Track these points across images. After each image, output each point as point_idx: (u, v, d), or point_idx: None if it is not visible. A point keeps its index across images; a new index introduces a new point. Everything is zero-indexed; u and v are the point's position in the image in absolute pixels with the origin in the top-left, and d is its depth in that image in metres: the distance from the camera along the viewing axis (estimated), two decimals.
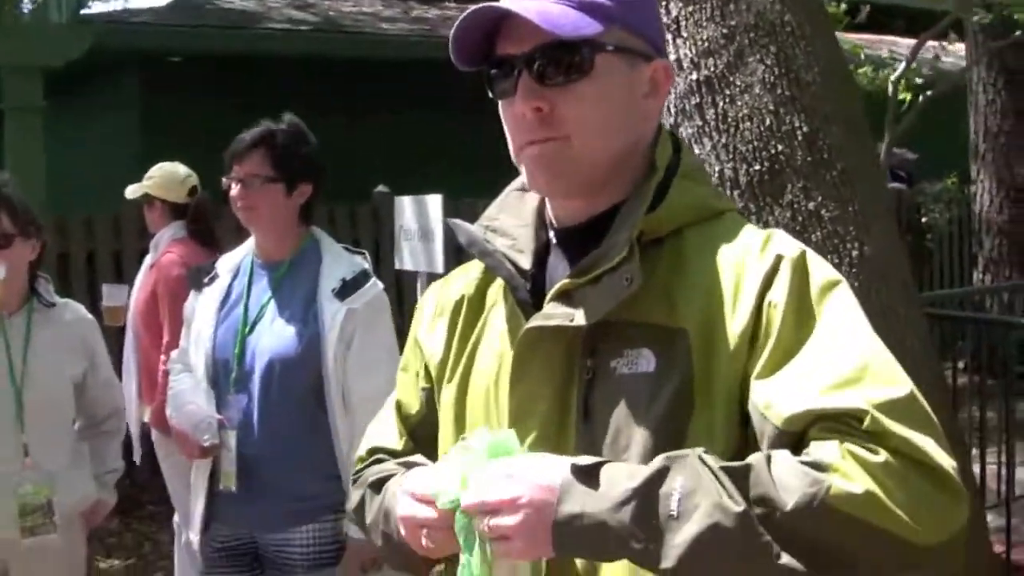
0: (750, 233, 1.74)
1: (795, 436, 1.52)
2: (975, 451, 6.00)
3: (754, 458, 1.49)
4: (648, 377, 1.65)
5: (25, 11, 9.00)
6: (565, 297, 1.71)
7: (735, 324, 1.62)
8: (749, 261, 1.66)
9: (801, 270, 1.64)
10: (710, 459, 1.50)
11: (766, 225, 1.82)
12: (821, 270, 1.66)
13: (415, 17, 13.73)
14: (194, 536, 3.81)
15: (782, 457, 1.49)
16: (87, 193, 11.92)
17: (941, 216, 12.52)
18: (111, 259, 8.48)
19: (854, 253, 3.73)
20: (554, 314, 1.70)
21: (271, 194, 3.68)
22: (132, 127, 11.64)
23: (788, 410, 1.52)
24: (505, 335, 1.82)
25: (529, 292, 1.80)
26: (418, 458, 1.94)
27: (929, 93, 8.74)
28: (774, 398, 1.55)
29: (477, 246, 1.85)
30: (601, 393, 1.69)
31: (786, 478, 1.45)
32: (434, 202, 5.87)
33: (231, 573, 3.79)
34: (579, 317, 1.67)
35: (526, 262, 1.83)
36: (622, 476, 1.53)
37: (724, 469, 1.48)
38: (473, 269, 1.96)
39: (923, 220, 12.61)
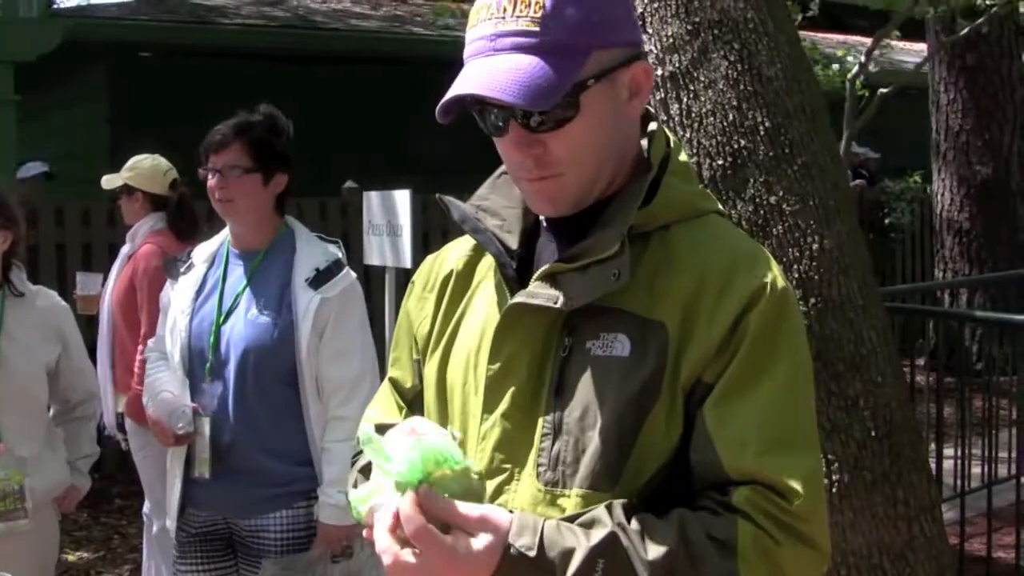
0: (739, 240, 1.85)
1: (726, 479, 1.70)
2: (932, 446, 6.09)
3: (673, 540, 1.63)
4: (621, 361, 1.74)
5: None
6: (551, 279, 1.78)
7: (711, 330, 1.72)
8: (737, 274, 1.75)
9: (783, 305, 1.76)
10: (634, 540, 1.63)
11: (728, 219, 1.90)
12: (796, 313, 1.80)
13: (385, 14, 13.75)
14: (170, 522, 3.84)
15: (697, 539, 1.64)
16: (57, 185, 11.90)
17: (904, 214, 12.62)
18: (80, 250, 8.51)
19: (814, 246, 3.79)
20: (539, 293, 1.77)
21: (249, 185, 3.73)
22: (102, 120, 11.63)
23: (732, 461, 1.69)
24: (490, 310, 1.89)
25: (515, 271, 1.87)
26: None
27: (885, 90, 8.83)
28: (723, 434, 1.70)
29: (469, 223, 1.91)
30: (575, 370, 1.77)
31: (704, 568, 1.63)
32: (402, 197, 5.88)
33: (206, 558, 3.84)
34: (563, 301, 1.75)
35: (514, 242, 1.90)
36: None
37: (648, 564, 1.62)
38: (464, 245, 2.02)
39: (886, 219, 12.70)
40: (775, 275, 1.78)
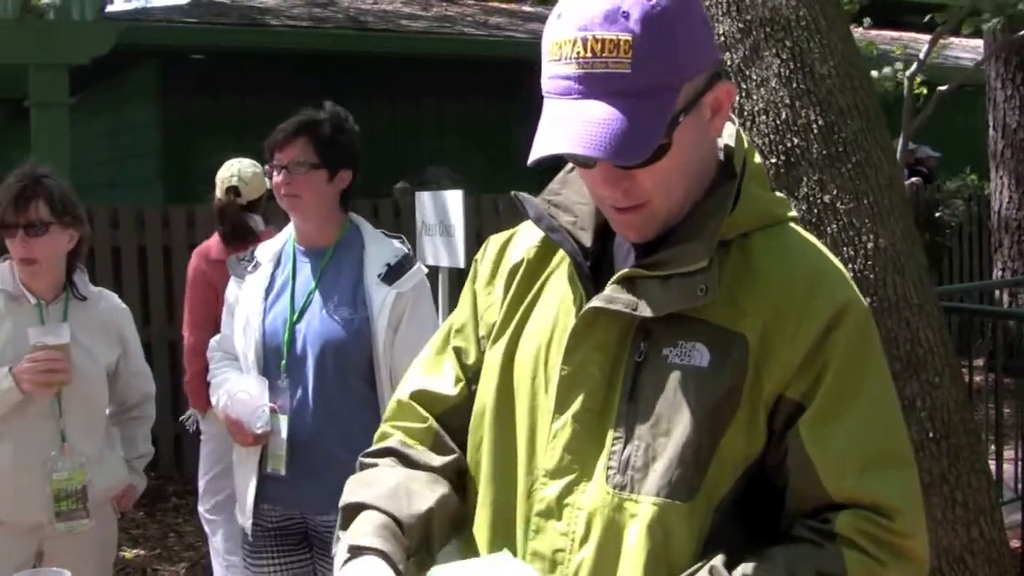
0: (819, 255, 1.82)
1: (826, 503, 1.70)
2: (991, 447, 6.03)
3: None
4: (700, 371, 1.72)
5: (50, 9, 9.05)
6: (629, 283, 1.76)
7: (794, 346, 1.71)
8: (821, 291, 1.74)
9: (867, 322, 1.76)
10: None
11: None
12: (876, 332, 1.78)
13: (435, 14, 13.78)
14: (244, 518, 3.86)
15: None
16: (111, 187, 12.02)
17: (959, 213, 12.50)
18: (136, 252, 8.59)
19: (869, 245, 3.77)
20: (617, 298, 1.75)
21: (314, 181, 3.75)
22: (154, 122, 11.71)
23: (834, 483, 1.69)
24: (562, 306, 1.86)
25: (590, 268, 1.85)
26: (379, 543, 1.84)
27: (943, 88, 8.74)
28: (824, 456, 1.69)
29: (545, 221, 1.88)
30: (650, 377, 1.75)
31: None
32: (454, 198, 5.89)
33: (281, 552, 3.85)
34: (643, 308, 1.73)
35: (587, 239, 1.87)
36: None
37: None
38: (534, 233, 1.98)
39: (940, 217, 12.58)
40: (856, 292, 1.78)
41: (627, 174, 1.70)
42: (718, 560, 1.66)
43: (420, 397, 2.05)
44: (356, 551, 1.81)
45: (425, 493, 1.91)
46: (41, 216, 3.73)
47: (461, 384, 2.02)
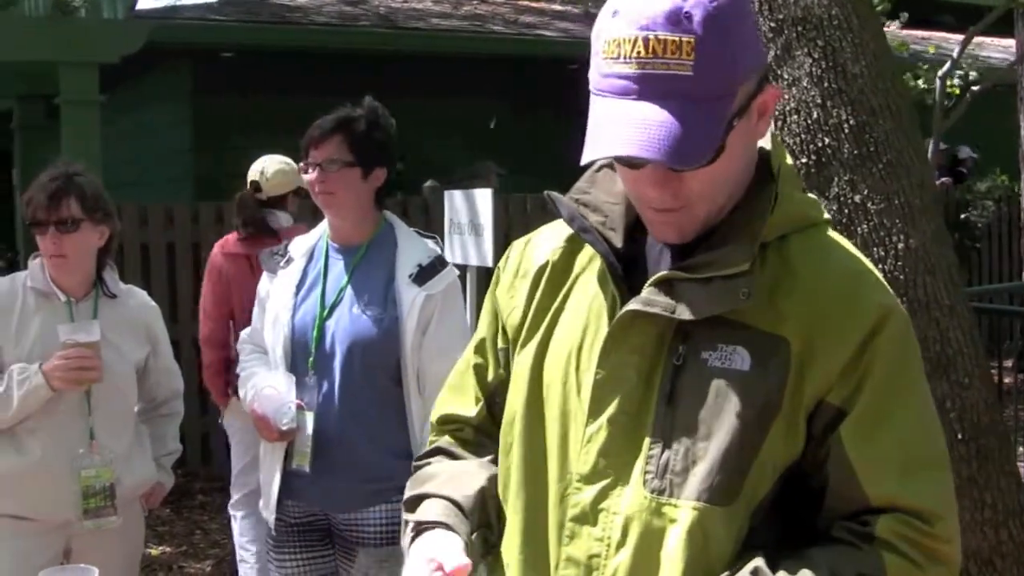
0: (857, 260, 1.82)
1: (865, 507, 1.70)
2: (1020, 449, 6.00)
3: None
4: (741, 376, 1.72)
5: (80, 8, 9.09)
6: (667, 286, 1.74)
7: (837, 352, 1.70)
8: (862, 297, 1.74)
9: (907, 328, 1.76)
10: None
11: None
12: (915, 338, 1.79)
13: (466, 13, 13.78)
14: (268, 513, 3.87)
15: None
16: (141, 186, 12.06)
17: (989, 213, 12.42)
18: (164, 249, 8.63)
19: (900, 246, 3.75)
20: (655, 301, 1.74)
21: (348, 178, 3.74)
22: (185, 121, 11.75)
23: (875, 489, 1.70)
24: (594, 308, 1.85)
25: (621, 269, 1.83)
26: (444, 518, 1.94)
27: (976, 88, 8.70)
28: (864, 462, 1.70)
29: (577, 222, 1.86)
30: (689, 380, 1.74)
31: None
32: (483, 196, 5.91)
33: (303, 548, 3.86)
34: (682, 311, 1.72)
35: (618, 240, 1.86)
36: None
37: None
38: (559, 235, 1.97)
39: (969, 217, 12.51)
40: (894, 297, 1.77)
41: (676, 176, 1.68)
42: (760, 561, 1.66)
43: (446, 421, 2.13)
44: (421, 527, 1.89)
45: (478, 474, 1.99)
46: (73, 213, 3.75)
47: (480, 404, 2.06)
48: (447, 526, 1.88)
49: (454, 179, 9.57)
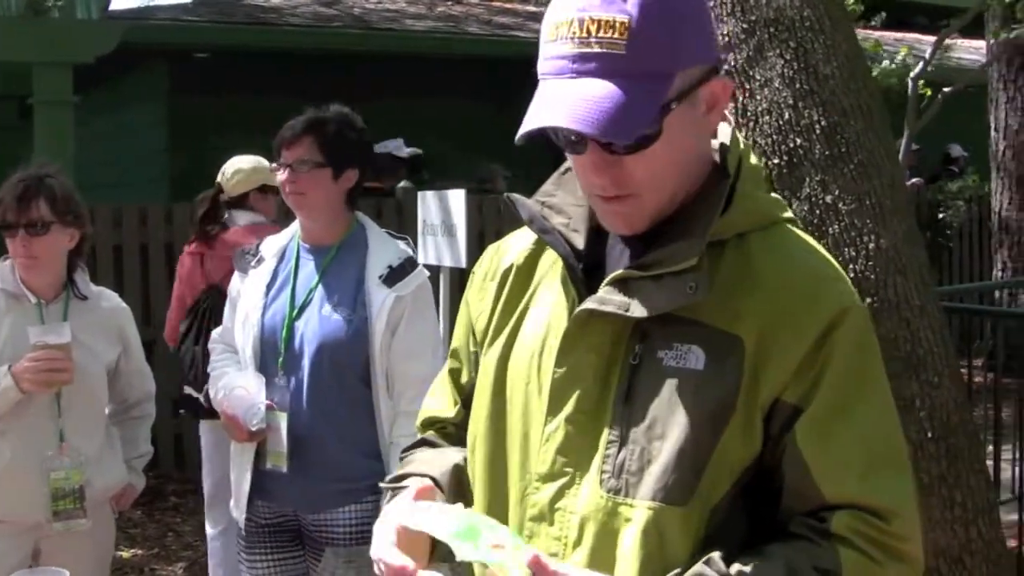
0: (817, 257, 1.82)
1: (822, 505, 1.70)
2: (990, 447, 6.04)
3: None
4: (695, 374, 1.72)
5: (54, 8, 9.06)
6: (622, 284, 1.75)
7: (792, 349, 1.70)
8: (819, 294, 1.74)
9: (865, 325, 1.76)
10: None
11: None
12: (874, 335, 1.78)
13: (440, 13, 13.79)
14: (238, 513, 3.87)
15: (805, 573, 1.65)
16: (116, 187, 12.02)
17: (960, 213, 12.49)
18: (138, 251, 8.60)
19: (871, 246, 3.76)
20: (609, 300, 1.75)
21: (318, 179, 3.76)
22: (161, 122, 11.73)
23: (831, 487, 1.69)
24: (555, 309, 1.86)
25: (583, 271, 1.84)
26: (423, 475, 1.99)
27: (947, 89, 8.76)
28: (820, 461, 1.70)
29: (537, 223, 1.87)
30: (645, 380, 1.75)
31: None
32: (456, 197, 5.90)
33: (274, 549, 3.87)
34: (635, 308, 1.72)
35: (580, 241, 1.86)
36: None
37: None
38: (526, 237, 1.99)
39: (945, 218, 12.59)
40: (855, 295, 1.77)
41: (617, 161, 1.70)
42: (716, 554, 1.66)
43: (429, 423, 2.14)
44: (397, 487, 1.94)
45: (456, 454, 2.02)
46: (42, 215, 3.74)
47: (458, 407, 2.08)
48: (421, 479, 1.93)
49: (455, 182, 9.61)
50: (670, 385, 1.72)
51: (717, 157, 1.83)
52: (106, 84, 11.59)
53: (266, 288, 3.84)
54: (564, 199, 1.91)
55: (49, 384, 3.70)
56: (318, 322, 3.72)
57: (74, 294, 3.91)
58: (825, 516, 1.69)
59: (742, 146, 1.84)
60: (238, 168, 5.91)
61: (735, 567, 1.64)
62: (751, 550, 1.68)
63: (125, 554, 7.07)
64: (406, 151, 10.83)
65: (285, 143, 3.79)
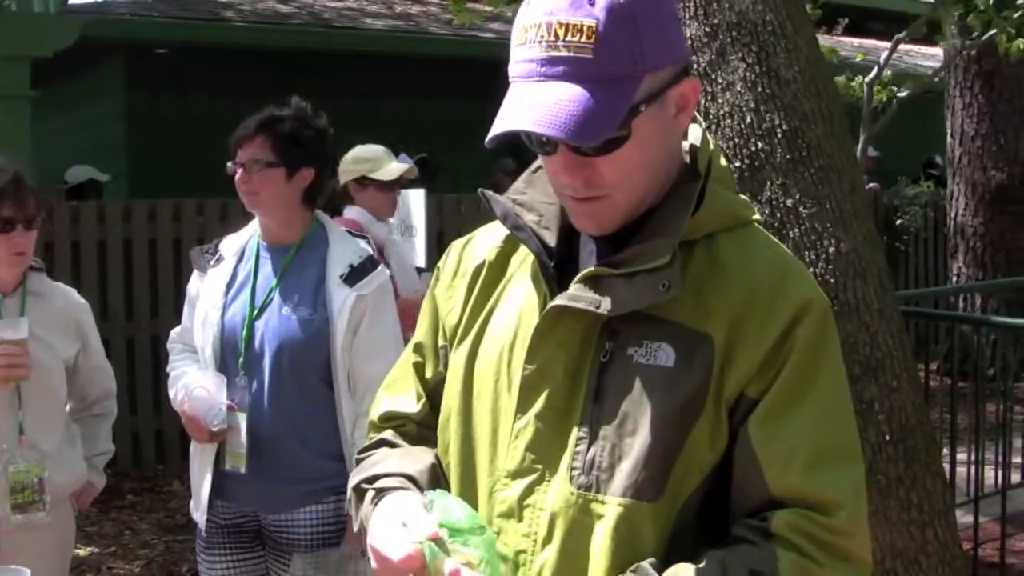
0: (783, 255, 1.84)
1: (767, 499, 1.70)
2: (945, 450, 6.09)
3: None
4: (665, 372, 1.73)
5: (11, 1, 9.00)
6: (593, 282, 1.76)
7: (758, 345, 1.72)
8: (785, 291, 1.75)
9: (826, 320, 1.77)
10: None
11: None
12: (835, 327, 1.79)
13: (399, 12, 13.77)
14: (199, 515, 3.85)
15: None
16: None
17: (916, 218, 12.58)
18: (96, 247, 8.54)
19: (831, 249, 3.79)
20: (580, 297, 1.75)
21: (272, 178, 3.74)
22: (118, 116, 11.65)
23: (777, 479, 1.69)
24: (526, 306, 1.87)
25: (554, 268, 1.85)
26: (407, 482, 1.96)
27: (903, 94, 8.83)
28: (768, 452, 1.70)
29: (510, 220, 1.88)
30: (615, 376, 1.76)
31: None
32: (416, 197, 5.89)
33: (234, 550, 3.85)
34: (606, 305, 1.73)
35: (552, 239, 1.87)
36: None
37: None
38: (496, 234, 1.99)
39: (903, 222, 12.68)
40: (818, 291, 1.79)
41: (587, 162, 1.71)
42: (646, 562, 1.67)
43: (388, 418, 2.11)
44: (380, 493, 1.90)
45: (428, 453, 1.99)
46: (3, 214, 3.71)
47: (423, 401, 2.06)
48: (405, 489, 1.89)
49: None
50: (640, 382, 1.73)
51: (687, 158, 1.85)
52: (65, 79, 11.52)
53: (226, 287, 3.81)
54: (535, 197, 1.92)
55: (7, 380, 3.68)
56: (278, 322, 3.70)
57: (31, 289, 3.88)
58: (767, 516, 1.69)
59: (712, 147, 1.86)
60: (346, 157, 5.69)
61: (669, 571, 1.66)
62: (693, 556, 1.69)
63: (82, 552, 7.00)
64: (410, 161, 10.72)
65: (239, 142, 3.77)
